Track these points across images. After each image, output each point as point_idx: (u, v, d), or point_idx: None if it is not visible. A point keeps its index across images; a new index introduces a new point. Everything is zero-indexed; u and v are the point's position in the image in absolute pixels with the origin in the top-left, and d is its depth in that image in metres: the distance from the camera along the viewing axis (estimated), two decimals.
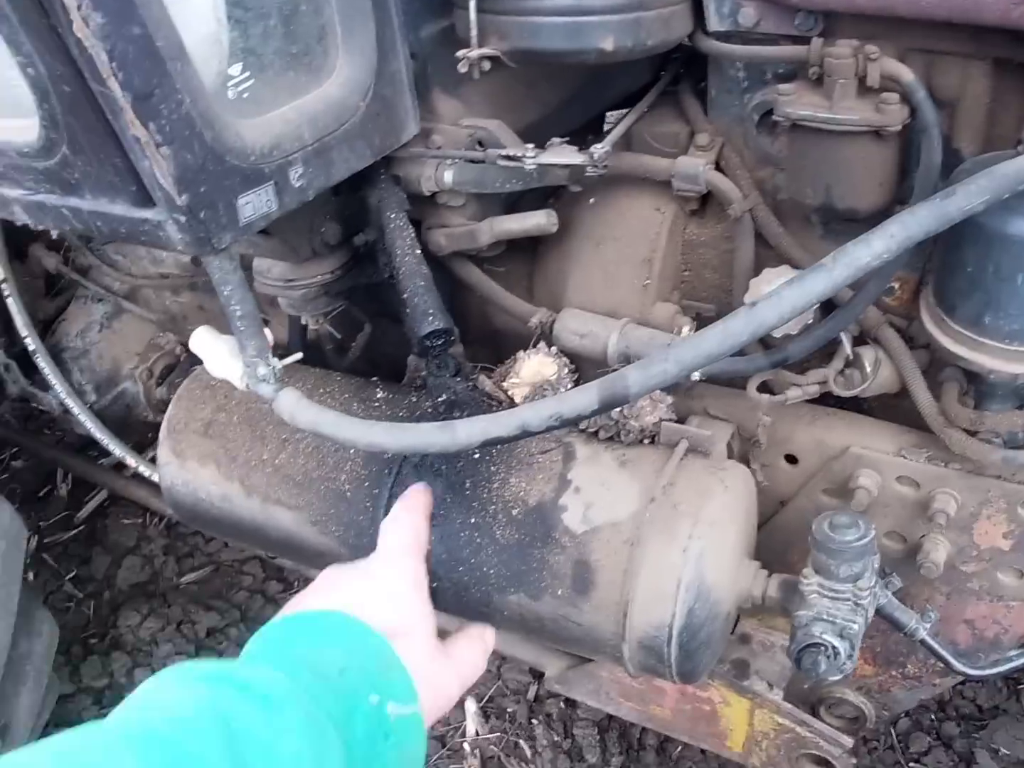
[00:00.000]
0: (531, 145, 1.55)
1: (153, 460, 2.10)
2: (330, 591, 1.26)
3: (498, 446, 1.53)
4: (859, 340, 1.61)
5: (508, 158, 1.53)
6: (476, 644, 1.39)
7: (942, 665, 1.63)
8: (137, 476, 2.44)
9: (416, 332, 1.49)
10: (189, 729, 0.87)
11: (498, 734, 2.58)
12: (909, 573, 1.59)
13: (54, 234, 1.62)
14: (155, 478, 2.22)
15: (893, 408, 1.68)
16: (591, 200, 1.74)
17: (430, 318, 1.47)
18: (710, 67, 1.64)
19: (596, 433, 1.56)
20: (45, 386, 2.40)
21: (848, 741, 1.77)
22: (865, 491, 1.60)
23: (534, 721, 2.59)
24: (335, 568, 1.33)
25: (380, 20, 1.47)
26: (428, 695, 1.16)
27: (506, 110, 1.67)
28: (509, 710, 2.63)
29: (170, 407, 1.78)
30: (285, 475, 1.64)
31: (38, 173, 1.36)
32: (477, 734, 2.58)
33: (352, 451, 1.60)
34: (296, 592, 1.65)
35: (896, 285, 1.58)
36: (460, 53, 1.50)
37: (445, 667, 1.26)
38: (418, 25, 1.60)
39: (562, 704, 2.61)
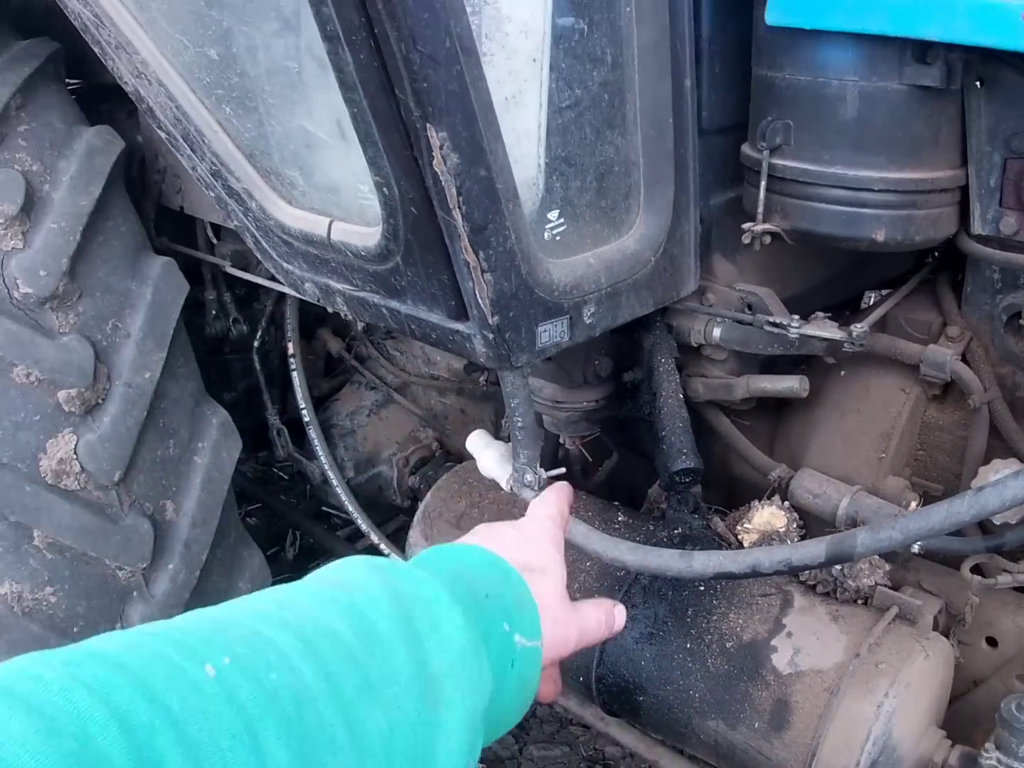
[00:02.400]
0: (796, 316, 1.77)
1: (389, 537, 2.39)
2: (479, 533, 1.40)
3: (722, 583, 1.73)
4: None
5: (775, 325, 1.76)
6: (604, 608, 1.45)
7: None
8: (372, 550, 2.72)
9: (668, 467, 1.71)
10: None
11: None
12: None
13: (355, 320, 1.93)
14: (387, 552, 2.51)
15: None
16: (842, 372, 1.95)
17: (684, 456, 1.70)
18: (968, 266, 1.83)
19: (814, 587, 1.74)
20: (309, 455, 2.73)
21: None
22: None
23: None
24: (486, 524, 1.46)
25: (679, 185, 1.73)
26: (550, 634, 1.27)
27: (774, 279, 1.90)
28: None
29: (428, 495, 2.05)
30: None
31: (368, 274, 1.67)
32: None
33: (588, 564, 1.82)
34: None
35: None
36: (747, 225, 1.75)
37: (570, 615, 1.35)
38: (709, 194, 1.85)
39: None
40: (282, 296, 2.66)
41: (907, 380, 1.89)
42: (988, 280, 1.80)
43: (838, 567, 1.70)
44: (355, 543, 2.97)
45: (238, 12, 1.63)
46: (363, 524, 2.60)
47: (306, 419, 2.65)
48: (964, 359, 1.82)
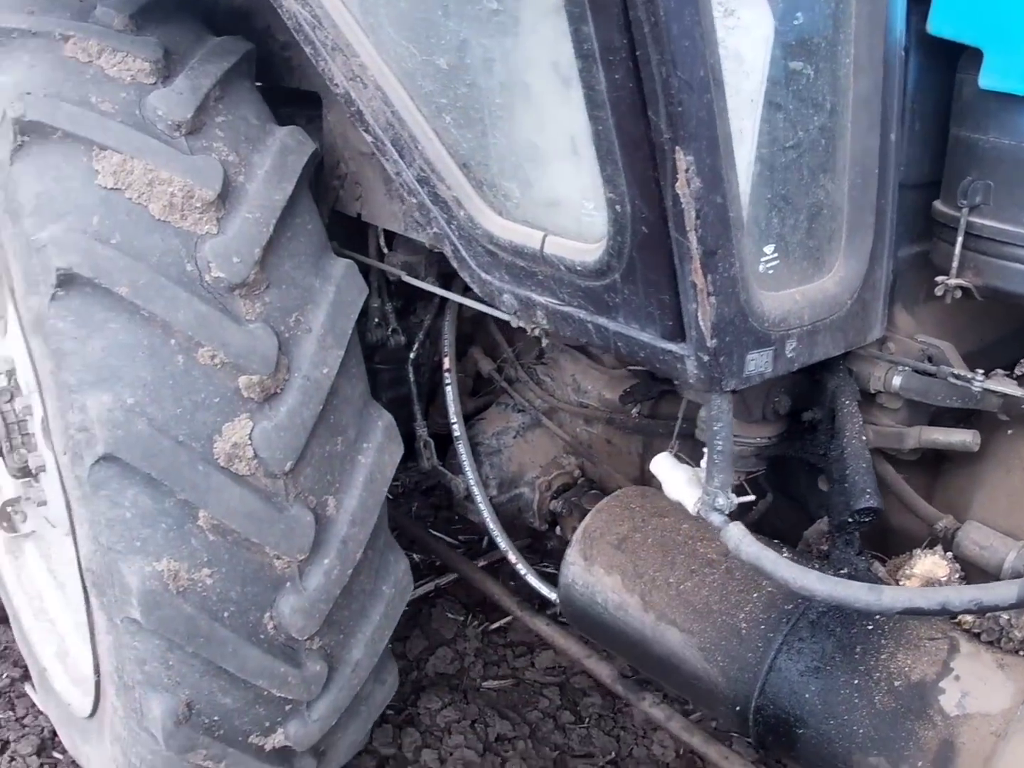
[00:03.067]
0: (980, 370, 1.84)
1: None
2: None
3: (890, 623, 1.79)
4: None
5: (958, 377, 1.83)
6: None
7: None
8: (488, 569, 2.79)
9: (851, 505, 1.77)
10: None
11: None
12: None
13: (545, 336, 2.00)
14: (522, 571, 2.59)
15: None
16: (1009, 431, 2.02)
17: (867, 496, 1.76)
18: None
19: (979, 635, 1.80)
20: (454, 469, 2.81)
21: None
22: None
23: None
24: None
25: (877, 234, 1.81)
26: None
27: (951, 334, 1.97)
28: None
29: (588, 517, 2.13)
30: (686, 600, 1.94)
31: (579, 289, 1.74)
32: None
33: (756, 595, 1.89)
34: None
35: None
36: (940, 279, 1.81)
37: None
38: (898, 246, 1.93)
39: None
40: (441, 311, 2.74)
41: None
42: None
43: (1005, 617, 1.76)
44: (474, 561, 3.05)
45: (480, 24, 1.71)
46: (502, 541, 2.66)
47: (456, 433, 2.72)
48: None
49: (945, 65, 1.85)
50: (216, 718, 2.20)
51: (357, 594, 2.29)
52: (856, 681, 1.74)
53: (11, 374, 2.60)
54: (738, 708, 1.89)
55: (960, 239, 1.80)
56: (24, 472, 2.56)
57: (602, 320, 1.74)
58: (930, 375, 1.87)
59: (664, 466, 1.83)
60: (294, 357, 2.09)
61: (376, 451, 2.24)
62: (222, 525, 2.02)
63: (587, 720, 3.26)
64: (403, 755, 3.04)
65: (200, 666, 2.13)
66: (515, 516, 2.80)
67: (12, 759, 2.95)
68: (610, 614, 2.06)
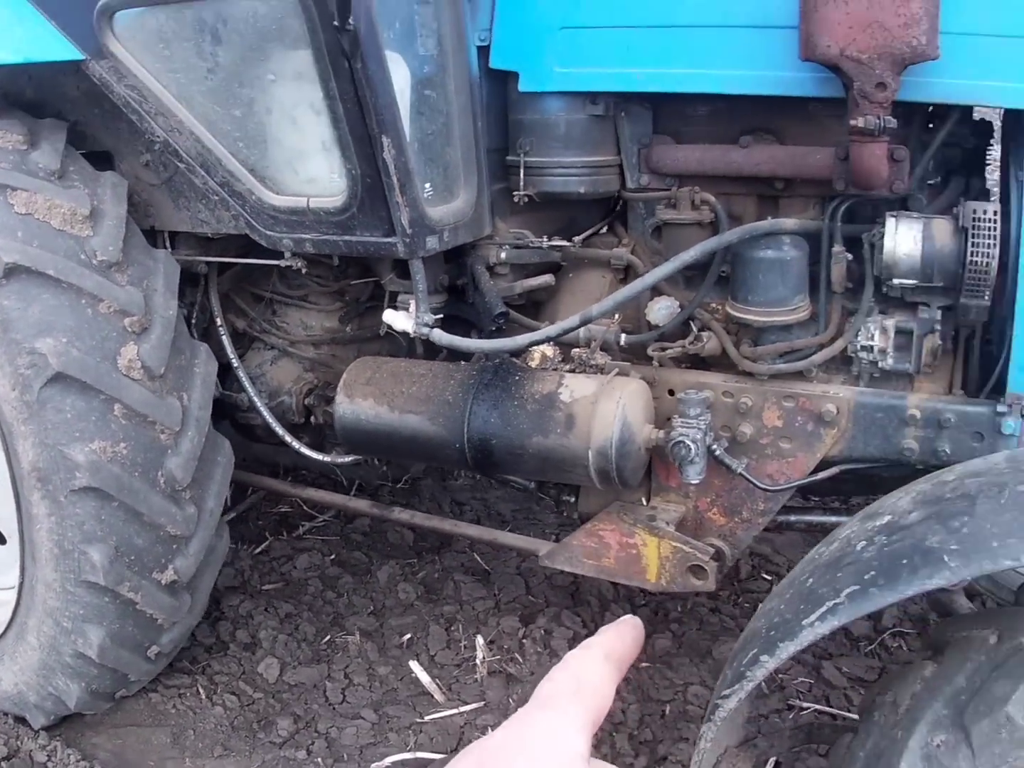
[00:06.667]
0: (545, 236, 3.64)
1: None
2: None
3: (527, 376, 3.52)
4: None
5: (533, 244, 3.62)
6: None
7: (762, 505, 3.49)
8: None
9: (491, 314, 3.51)
10: None
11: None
12: (736, 453, 3.48)
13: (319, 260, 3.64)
14: (295, 445, 4.16)
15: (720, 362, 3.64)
16: (570, 274, 3.83)
17: (498, 306, 3.51)
18: (628, 207, 3.75)
19: (572, 370, 3.56)
20: (235, 391, 4.25)
21: (708, 548, 3.48)
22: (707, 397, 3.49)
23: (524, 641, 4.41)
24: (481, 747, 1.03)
25: (479, 176, 3.54)
26: None
27: (527, 224, 3.73)
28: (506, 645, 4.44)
29: (345, 374, 3.71)
30: (414, 397, 3.56)
31: (332, 224, 3.35)
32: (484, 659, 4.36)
33: (452, 380, 3.53)
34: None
35: (715, 305, 3.61)
36: (515, 192, 3.59)
37: None
38: (491, 183, 3.66)
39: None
40: (205, 290, 4.20)
41: (605, 270, 3.80)
42: (638, 212, 3.73)
43: (581, 354, 3.52)
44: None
45: (261, 87, 3.32)
46: (279, 428, 4.14)
47: (235, 364, 4.13)
48: (633, 252, 3.73)
49: (502, 82, 3.58)
50: (133, 557, 3.46)
51: (205, 459, 3.66)
52: (516, 403, 3.42)
53: None
54: (457, 446, 3.47)
55: (522, 170, 3.59)
56: None
57: (347, 237, 3.36)
58: (520, 247, 3.66)
59: (390, 314, 3.50)
60: (152, 305, 3.54)
61: (203, 364, 3.72)
62: (130, 412, 3.39)
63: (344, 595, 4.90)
64: (222, 641, 4.53)
65: (123, 515, 3.38)
66: (281, 416, 4.25)
67: None
68: (372, 423, 3.62)
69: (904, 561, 2.11)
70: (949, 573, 2.33)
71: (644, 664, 4.32)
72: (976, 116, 3.31)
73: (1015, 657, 2.44)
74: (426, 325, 3.41)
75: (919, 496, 2.77)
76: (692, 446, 3.25)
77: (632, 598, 4.83)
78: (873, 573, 2.12)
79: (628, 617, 1.19)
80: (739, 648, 2.88)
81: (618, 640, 1.15)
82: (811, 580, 2.71)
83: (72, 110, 3.84)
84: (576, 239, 3.69)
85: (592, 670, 1.11)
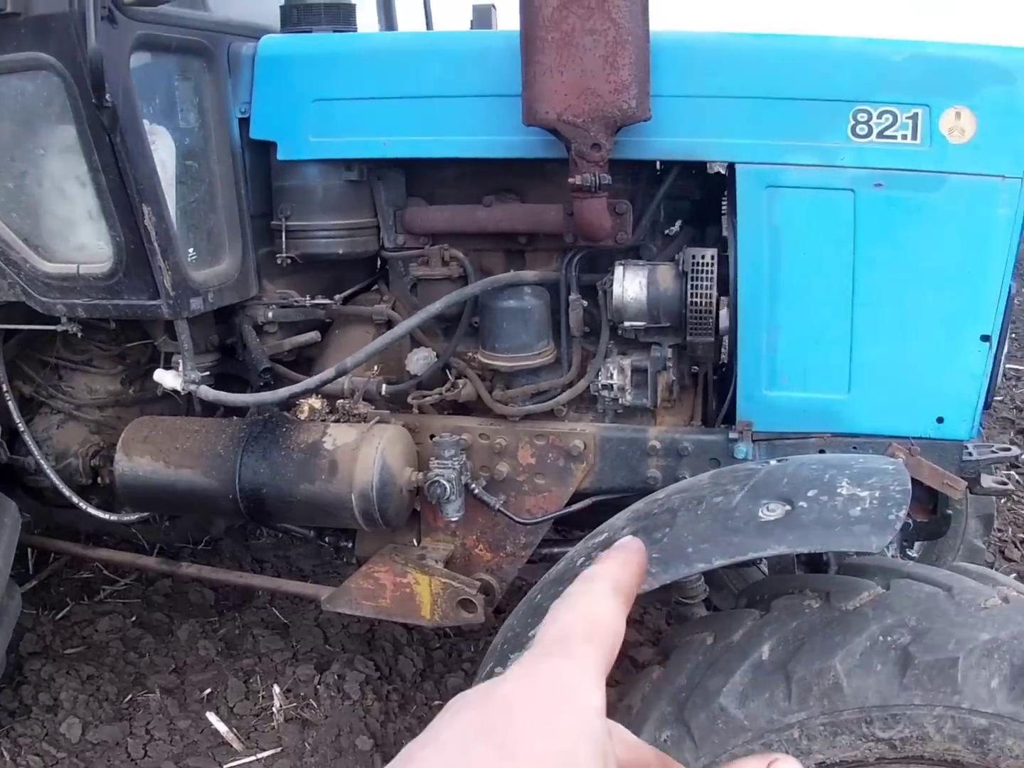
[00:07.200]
0: (321, 296, 3.91)
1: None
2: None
3: (288, 427, 3.76)
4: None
5: (297, 304, 3.88)
6: None
7: (524, 539, 3.75)
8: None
9: (257, 368, 3.76)
10: None
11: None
12: (495, 491, 3.76)
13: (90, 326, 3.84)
14: (82, 505, 4.30)
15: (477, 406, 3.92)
16: (336, 332, 4.10)
17: (265, 362, 3.76)
18: (389, 264, 4.04)
19: (338, 420, 3.81)
20: (22, 455, 4.40)
21: (476, 583, 3.73)
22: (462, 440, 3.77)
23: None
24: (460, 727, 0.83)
25: (243, 241, 3.79)
26: None
27: (292, 285, 3.99)
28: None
29: (123, 433, 3.89)
30: (189, 451, 3.77)
31: (100, 289, 3.56)
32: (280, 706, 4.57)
33: (224, 434, 3.75)
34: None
35: (470, 353, 3.89)
36: (278, 255, 3.84)
37: None
38: (257, 246, 3.92)
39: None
40: None
41: (369, 325, 4.05)
42: (397, 270, 4.01)
43: (345, 404, 3.78)
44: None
45: (33, 160, 3.53)
46: (66, 491, 4.25)
47: (21, 429, 4.28)
48: (394, 308, 4.01)
49: (264, 152, 3.78)
50: None
51: None
52: (283, 452, 3.63)
53: None
54: (231, 497, 3.65)
55: (284, 234, 3.84)
56: None
57: (116, 301, 3.56)
58: (286, 307, 3.91)
59: (160, 373, 3.72)
60: None
61: None
62: None
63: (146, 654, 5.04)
64: (24, 704, 4.62)
65: None
66: (69, 479, 4.38)
67: None
68: (149, 480, 3.78)
69: None
70: (651, 579, 2.63)
71: (437, 703, 4.54)
72: (711, 170, 3.69)
73: (727, 653, 2.75)
74: (193, 382, 3.63)
75: (632, 514, 3.08)
76: (447, 485, 3.52)
77: (427, 641, 5.07)
78: None
79: (629, 539, 1.07)
80: (482, 663, 3.14)
81: (623, 567, 1.02)
82: (539, 596, 2.99)
83: None
84: (337, 297, 3.95)
85: (602, 607, 0.97)
